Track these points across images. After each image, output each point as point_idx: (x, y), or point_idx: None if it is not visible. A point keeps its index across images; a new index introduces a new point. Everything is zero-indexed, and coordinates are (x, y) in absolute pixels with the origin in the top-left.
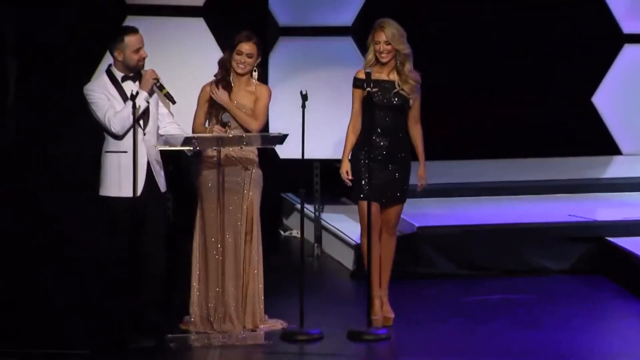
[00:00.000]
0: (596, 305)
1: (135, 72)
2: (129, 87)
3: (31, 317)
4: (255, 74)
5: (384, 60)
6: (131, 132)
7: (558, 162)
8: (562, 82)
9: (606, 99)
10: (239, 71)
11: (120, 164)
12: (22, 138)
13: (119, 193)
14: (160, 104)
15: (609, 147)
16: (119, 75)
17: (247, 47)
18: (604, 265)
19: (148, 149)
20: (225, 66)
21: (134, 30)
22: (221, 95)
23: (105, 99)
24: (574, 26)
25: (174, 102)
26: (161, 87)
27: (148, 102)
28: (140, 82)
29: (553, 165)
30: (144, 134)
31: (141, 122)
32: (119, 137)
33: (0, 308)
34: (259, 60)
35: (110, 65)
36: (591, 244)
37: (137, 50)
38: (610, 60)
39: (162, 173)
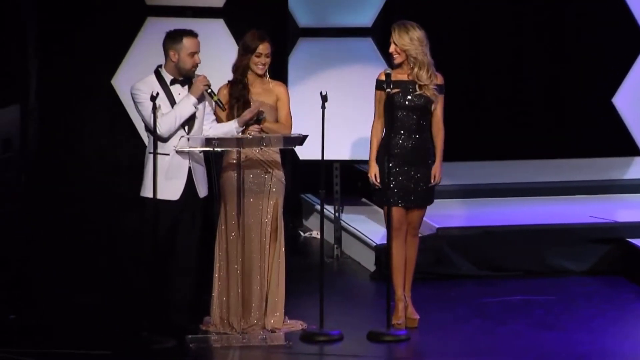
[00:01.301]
0: (617, 306)
1: (184, 77)
2: (177, 90)
3: (53, 316)
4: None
5: (396, 62)
6: (176, 135)
7: (578, 163)
8: (582, 83)
9: (627, 100)
10: (260, 72)
11: (161, 167)
12: (44, 139)
13: (159, 195)
14: (208, 108)
15: (630, 148)
16: (167, 77)
17: (264, 47)
18: (624, 267)
19: (191, 153)
20: (243, 70)
21: (193, 34)
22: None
23: None
24: (594, 27)
25: (224, 109)
26: (212, 94)
27: (197, 107)
28: (190, 87)
29: (573, 166)
30: (188, 139)
31: (186, 126)
32: (163, 139)
33: (22, 307)
34: None
35: (159, 67)
36: (612, 245)
37: (192, 55)
38: (630, 61)
39: (205, 178)
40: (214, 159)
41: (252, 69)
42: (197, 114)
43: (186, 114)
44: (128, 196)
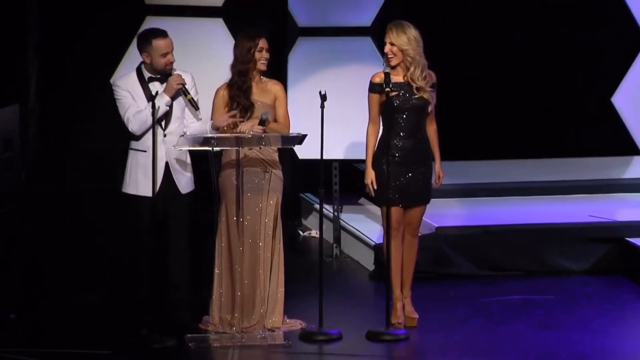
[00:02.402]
0: (616, 306)
1: (162, 75)
2: (156, 87)
3: (53, 316)
4: None
5: (392, 63)
6: (151, 132)
7: (577, 162)
8: (581, 83)
9: (625, 99)
10: (264, 68)
11: (139, 163)
12: (44, 138)
13: (137, 191)
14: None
15: (629, 148)
16: (146, 75)
17: (264, 42)
18: (624, 266)
19: (168, 149)
20: (246, 69)
21: (162, 34)
22: (252, 125)
23: (129, 97)
24: (593, 26)
25: (196, 109)
26: (185, 93)
27: (169, 106)
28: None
29: (572, 165)
30: (165, 135)
31: (163, 122)
32: (135, 137)
33: (23, 307)
34: None
35: (141, 63)
36: (611, 244)
37: (165, 55)
38: (629, 61)
39: (187, 174)
40: (212, 158)
41: (258, 66)
42: (175, 113)
43: (158, 113)
44: (128, 195)
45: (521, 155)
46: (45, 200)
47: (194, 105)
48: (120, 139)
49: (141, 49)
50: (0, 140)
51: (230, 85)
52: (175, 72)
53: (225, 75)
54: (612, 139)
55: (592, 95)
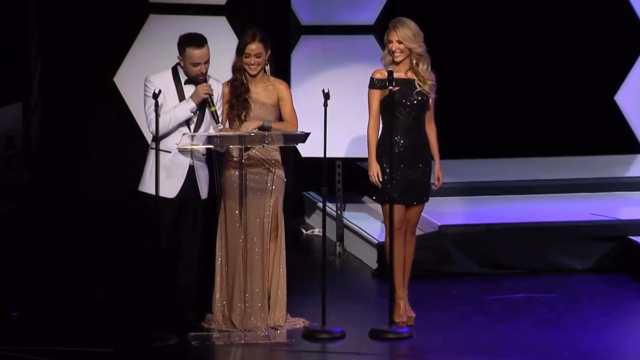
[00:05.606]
0: (619, 304)
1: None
2: (190, 90)
3: (56, 314)
4: (267, 68)
5: (398, 60)
6: (177, 132)
7: (581, 160)
8: (584, 81)
9: (629, 98)
10: (252, 72)
11: (162, 163)
12: (46, 137)
13: (157, 192)
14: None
15: (632, 146)
16: (183, 77)
17: (254, 47)
18: (627, 264)
19: (194, 152)
20: (239, 70)
21: (198, 44)
22: (253, 124)
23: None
24: (596, 24)
25: (217, 122)
26: (210, 104)
27: (193, 112)
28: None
29: (575, 163)
30: (192, 137)
31: (192, 125)
32: (154, 136)
33: (25, 305)
34: (269, 54)
35: (178, 64)
36: (614, 242)
37: (195, 65)
38: (633, 59)
39: (208, 179)
40: (216, 158)
41: (245, 69)
42: (205, 118)
43: (182, 117)
44: (131, 193)
45: (524, 153)
46: (47, 198)
47: (215, 118)
48: (124, 137)
49: (178, 51)
50: (2, 139)
51: (232, 82)
52: (208, 80)
53: (227, 73)
54: (615, 137)
55: (595, 94)
